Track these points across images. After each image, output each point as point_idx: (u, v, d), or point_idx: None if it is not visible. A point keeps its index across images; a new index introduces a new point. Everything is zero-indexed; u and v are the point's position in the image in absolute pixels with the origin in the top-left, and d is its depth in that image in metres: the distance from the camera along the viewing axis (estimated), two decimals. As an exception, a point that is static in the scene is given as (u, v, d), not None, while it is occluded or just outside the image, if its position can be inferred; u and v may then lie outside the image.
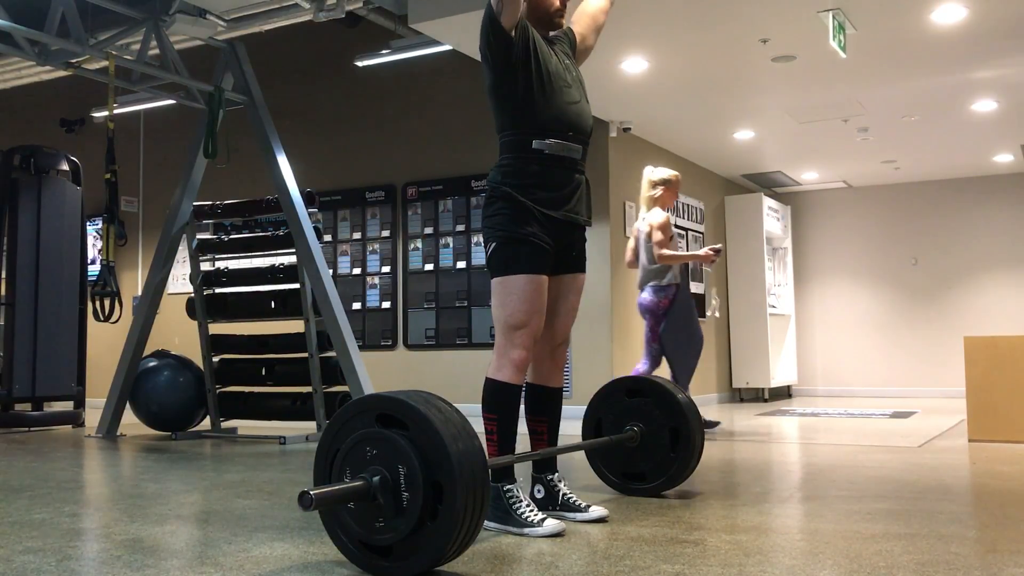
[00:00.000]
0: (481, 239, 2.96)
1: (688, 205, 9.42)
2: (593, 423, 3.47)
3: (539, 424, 3.08)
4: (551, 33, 3.08)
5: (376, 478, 2.21)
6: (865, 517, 3.01)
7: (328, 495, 2.19)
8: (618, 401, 3.51)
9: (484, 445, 2.88)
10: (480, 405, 2.91)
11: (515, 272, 2.85)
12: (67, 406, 7.46)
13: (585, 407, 3.60)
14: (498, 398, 2.85)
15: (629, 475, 3.51)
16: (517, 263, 2.85)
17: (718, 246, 5.79)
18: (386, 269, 8.90)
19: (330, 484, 2.27)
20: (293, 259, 6.19)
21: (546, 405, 3.08)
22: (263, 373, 6.37)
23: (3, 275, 7.28)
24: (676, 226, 9.09)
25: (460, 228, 8.54)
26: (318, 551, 2.54)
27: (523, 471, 3.34)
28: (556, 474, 3.07)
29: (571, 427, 3.85)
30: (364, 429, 2.29)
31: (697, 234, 9.60)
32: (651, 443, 3.42)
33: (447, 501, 2.15)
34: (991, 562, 2.36)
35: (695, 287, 9.49)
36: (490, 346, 3.06)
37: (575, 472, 4.19)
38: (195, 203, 6.58)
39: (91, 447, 5.80)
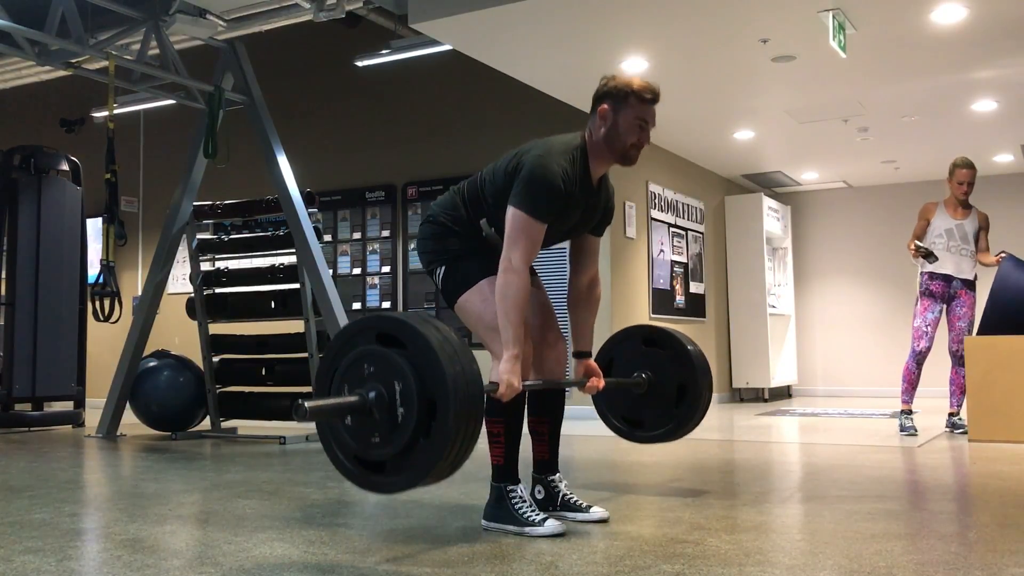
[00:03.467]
0: (445, 264, 2.95)
1: (688, 205, 9.42)
2: (604, 363, 3.46)
3: (541, 424, 3.07)
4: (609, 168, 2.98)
5: (372, 394, 2.24)
6: (865, 517, 3.01)
7: (323, 408, 2.22)
8: (633, 347, 3.50)
9: (489, 449, 2.89)
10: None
11: (474, 282, 2.87)
12: (67, 406, 7.46)
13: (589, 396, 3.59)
14: (503, 402, 2.83)
15: (629, 420, 3.51)
16: (471, 274, 2.88)
17: (919, 244, 5.88)
18: (386, 269, 8.90)
19: (325, 397, 2.30)
20: (293, 259, 6.19)
21: (548, 406, 3.07)
22: (263, 373, 6.37)
23: (3, 275, 7.28)
24: (675, 225, 9.09)
25: (460, 228, 8.53)
26: (318, 551, 2.54)
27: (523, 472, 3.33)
28: (557, 475, 3.07)
29: (571, 427, 3.85)
30: (363, 347, 2.31)
31: (697, 234, 9.61)
32: (657, 394, 3.42)
33: (440, 419, 2.16)
34: (991, 562, 2.36)
35: (695, 287, 9.50)
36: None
37: (576, 472, 4.19)
38: (195, 203, 6.58)
39: (91, 447, 5.80)
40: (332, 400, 2.24)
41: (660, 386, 3.41)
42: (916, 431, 5.90)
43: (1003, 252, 5.97)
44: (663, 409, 3.42)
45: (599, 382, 3.09)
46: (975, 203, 6.16)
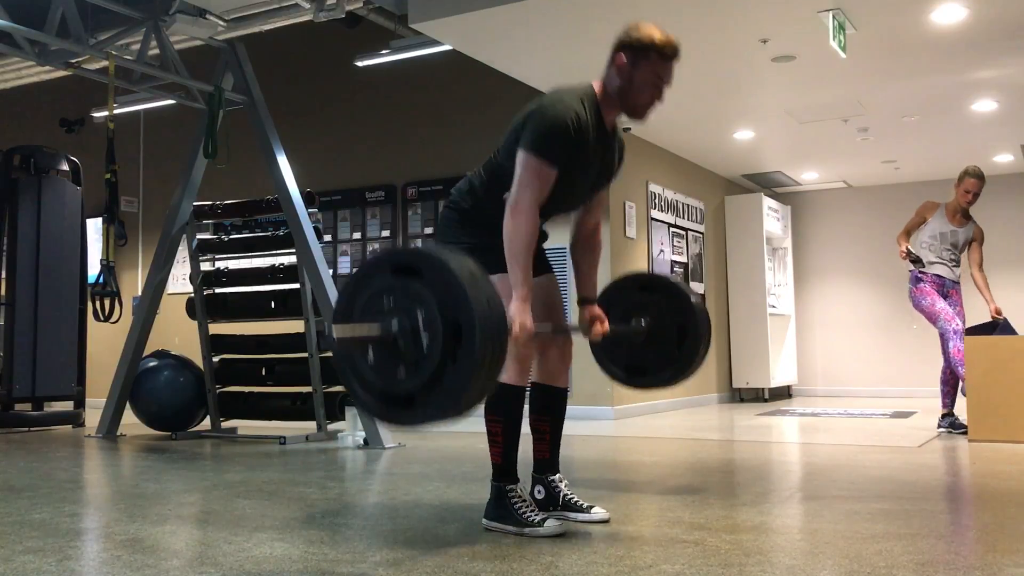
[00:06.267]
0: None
1: (688, 205, 9.41)
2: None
3: (542, 423, 3.06)
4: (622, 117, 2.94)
5: (395, 322, 2.19)
6: (865, 517, 3.01)
7: (349, 332, 2.18)
8: (630, 295, 3.48)
9: (489, 447, 2.89)
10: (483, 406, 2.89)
11: (490, 274, 2.82)
12: (67, 406, 7.46)
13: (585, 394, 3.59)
14: (502, 401, 2.82)
15: (632, 369, 3.50)
16: (487, 267, 2.81)
17: (910, 250, 5.89)
18: (386, 269, 8.88)
19: (351, 324, 2.26)
20: (293, 259, 6.19)
21: (551, 405, 3.06)
22: (263, 373, 6.37)
23: (3, 275, 7.27)
24: (675, 225, 9.09)
25: (460, 228, 8.52)
26: (318, 551, 2.54)
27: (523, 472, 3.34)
28: (558, 475, 3.06)
29: (571, 427, 3.84)
30: (379, 282, 2.27)
31: (697, 234, 9.60)
32: (657, 338, 3.40)
33: (466, 342, 2.12)
34: (991, 562, 2.36)
35: (695, 287, 9.50)
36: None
37: (576, 472, 4.19)
38: (195, 203, 6.58)
39: (91, 447, 5.80)
40: (358, 325, 2.20)
41: (660, 330, 3.39)
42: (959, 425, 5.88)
43: (1001, 315, 5.97)
44: (665, 353, 3.40)
45: (603, 327, 3.07)
46: (978, 207, 6.16)
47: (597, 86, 2.88)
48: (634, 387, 3.53)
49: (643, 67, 2.79)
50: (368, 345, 2.23)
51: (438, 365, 2.14)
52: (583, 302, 3.07)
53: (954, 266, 6.02)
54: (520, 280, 2.65)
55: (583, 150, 2.78)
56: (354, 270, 2.42)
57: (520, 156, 2.71)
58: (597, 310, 3.07)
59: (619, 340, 3.40)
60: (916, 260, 5.90)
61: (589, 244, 3.07)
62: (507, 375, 2.81)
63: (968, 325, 5.99)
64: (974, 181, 5.96)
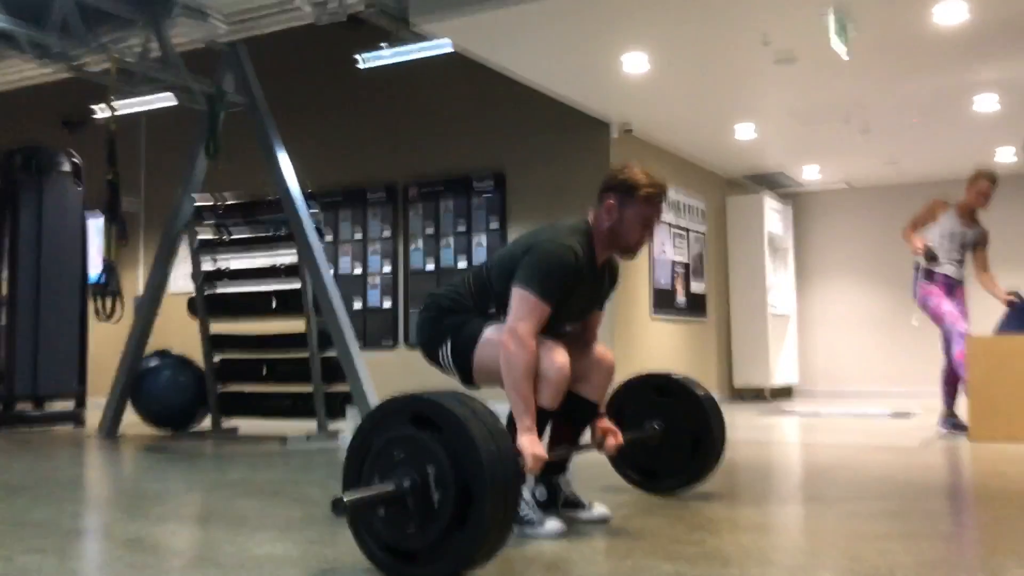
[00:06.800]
0: (448, 337, 2.90)
1: (690, 205, 9.41)
2: (615, 412, 3.42)
3: (565, 430, 3.04)
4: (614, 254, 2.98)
5: (407, 482, 2.16)
6: (866, 517, 3.01)
7: (361, 501, 2.15)
8: (644, 396, 3.45)
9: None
10: (494, 402, 2.85)
11: (479, 334, 2.83)
12: (68, 405, 7.47)
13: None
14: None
15: (645, 471, 3.47)
16: (475, 330, 2.85)
17: (928, 246, 5.84)
18: (387, 268, 8.90)
19: (362, 488, 2.22)
20: (294, 258, 6.19)
21: (576, 416, 3.03)
22: (264, 372, 6.37)
23: (5, 274, 7.28)
24: (676, 226, 9.09)
25: (461, 228, 8.54)
26: (319, 551, 2.54)
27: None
28: (561, 475, 3.06)
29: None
30: (396, 430, 2.24)
31: (698, 234, 9.60)
32: (671, 444, 3.36)
33: (477, 507, 2.10)
34: (991, 562, 2.36)
35: (696, 286, 9.49)
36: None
37: (577, 470, 4.19)
38: (197, 201, 6.58)
39: (92, 446, 5.80)
40: (369, 492, 2.16)
41: (674, 437, 3.35)
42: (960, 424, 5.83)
43: (1015, 296, 5.94)
44: (678, 460, 3.38)
45: (617, 440, 3.04)
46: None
47: (591, 218, 2.91)
48: (648, 491, 3.50)
49: (630, 209, 2.84)
50: (380, 502, 2.21)
51: (447, 526, 2.12)
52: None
53: (961, 266, 6.02)
54: (523, 409, 2.68)
55: (577, 285, 2.83)
56: (371, 411, 2.36)
57: (517, 290, 2.74)
58: (608, 424, 3.06)
59: (632, 443, 3.37)
60: (932, 257, 5.85)
61: (596, 366, 3.04)
62: (542, 398, 2.77)
63: (970, 325, 5.97)
64: (989, 184, 5.96)
